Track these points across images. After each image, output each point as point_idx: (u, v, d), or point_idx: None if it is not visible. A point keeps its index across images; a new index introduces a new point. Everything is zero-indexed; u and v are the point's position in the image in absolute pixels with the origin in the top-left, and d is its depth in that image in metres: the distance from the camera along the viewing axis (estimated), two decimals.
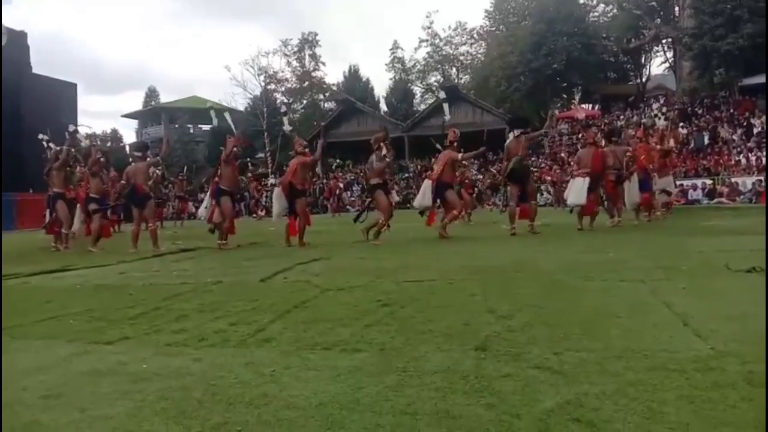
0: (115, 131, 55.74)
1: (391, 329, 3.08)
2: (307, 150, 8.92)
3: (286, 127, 10.21)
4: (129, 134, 56.61)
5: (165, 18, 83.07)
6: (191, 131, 48.94)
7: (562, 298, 3.78)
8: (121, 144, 52.04)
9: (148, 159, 9.48)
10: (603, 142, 10.37)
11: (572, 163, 10.03)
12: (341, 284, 4.59)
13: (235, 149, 9.03)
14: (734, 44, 24.23)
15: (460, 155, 9.26)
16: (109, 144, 50.27)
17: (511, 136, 9.78)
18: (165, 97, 55.36)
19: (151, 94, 56.04)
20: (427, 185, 9.21)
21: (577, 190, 9.39)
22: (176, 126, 47.75)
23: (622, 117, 31.16)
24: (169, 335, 3.19)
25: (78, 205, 10.30)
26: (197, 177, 37.18)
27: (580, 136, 28.75)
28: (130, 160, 10.49)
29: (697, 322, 2.95)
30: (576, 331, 2.91)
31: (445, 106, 10.97)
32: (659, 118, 14.45)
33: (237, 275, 5.60)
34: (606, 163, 9.69)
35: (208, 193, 9.54)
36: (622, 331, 2.88)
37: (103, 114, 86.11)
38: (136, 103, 61.15)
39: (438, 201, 9.29)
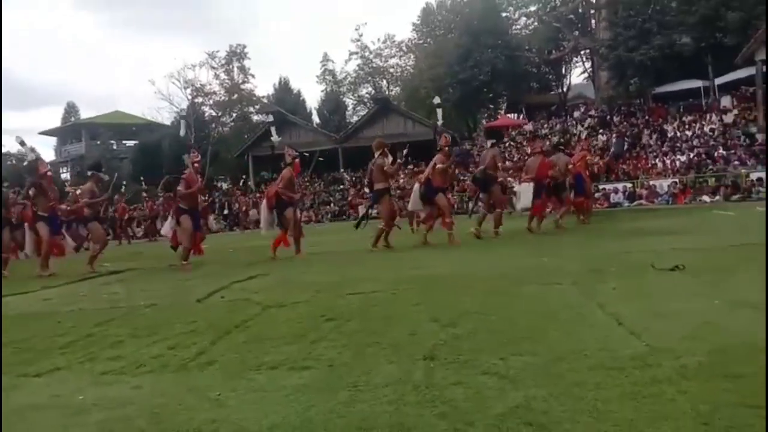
0: (32, 149, 52.79)
1: (338, 344, 3.06)
2: (297, 160, 8.91)
3: (274, 138, 10.18)
4: (47, 152, 53.77)
5: (83, 30, 79.62)
6: (114, 147, 47.02)
7: (503, 304, 3.87)
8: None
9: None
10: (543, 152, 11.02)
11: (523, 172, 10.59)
12: (282, 301, 4.52)
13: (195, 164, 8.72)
14: (646, 55, 25.70)
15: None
16: (25, 163, 47.59)
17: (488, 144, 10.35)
18: (85, 113, 52.99)
19: (71, 109, 53.52)
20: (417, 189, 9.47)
21: (525, 195, 9.97)
22: (98, 143, 45.80)
23: (546, 125, 32.36)
24: (104, 363, 3.03)
25: (26, 225, 9.27)
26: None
27: (507, 144, 29.69)
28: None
29: (630, 321, 3.09)
30: (519, 335, 2.99)
31: (272, 128, 11.17)
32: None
33: (171, 296, 5.41)
34: (550, 170, 10.33)
35: (171, 213, 8.95)
36: (561, 334, 2.97)
37: (18, 131, 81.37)
38: (55, 120, 58.18)
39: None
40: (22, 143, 10.11)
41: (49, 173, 9.33)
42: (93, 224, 9.06)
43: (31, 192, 8.92)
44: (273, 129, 11.25)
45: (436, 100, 13.42)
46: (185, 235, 8.27)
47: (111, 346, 3.41)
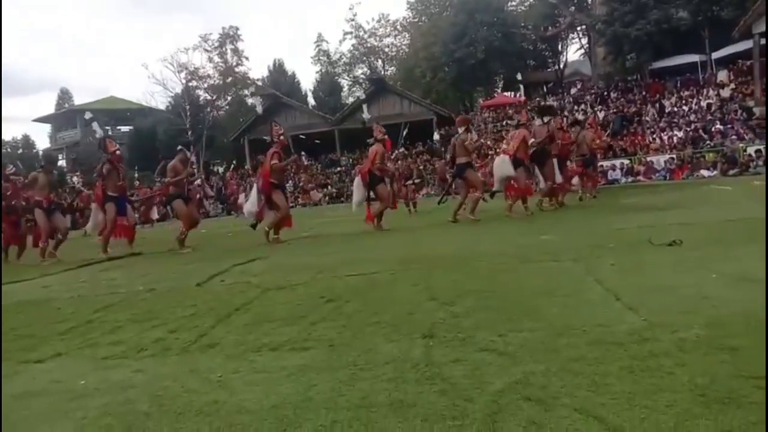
0: (26, 137, 52.60)
1: (337, 324, 3.07)
2: (386, 137, 9.23)
3: (366, 115, 10.48)
4: (42, 140, 53.51)
5: (75, 15, 78.69)
6: (109, 133, 46.73)
7: (502, 282, 3.89)
8: (34, 150, 49.22)
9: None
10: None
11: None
12: (282, 283, 4.53)
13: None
14: (643, 30, 25.54)
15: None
16: (20, 151, 47.42)
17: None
18: (79, 99, 52.64)
19: (64, 96, 53.16)
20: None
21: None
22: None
23: (543, 102, 32.21)
24: (105, 348, 3.04)
25: (94, 205, 9.15)
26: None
27: (504, 123, 29.62)
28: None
29: (628, 296, 3.10)
30: (517, 312, 3.00)
31: (364, 106, 11.50)
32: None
33: (171, 281, 5.41)
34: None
35: (254, 189, 9.01)
36: (560, 310, 2.99)
37: (11, 118, 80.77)
38: (48, 107, 57.75)
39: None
40: (91, 120, 10.05)
41: (118, 152, 9.09)
42: (177, 202, 8.82)
43: (104, 170, 8.63)
44: (365, 106, 11.46)
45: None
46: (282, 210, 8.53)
47: (111, 331, 3.42)
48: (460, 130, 9.36)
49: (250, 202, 9.01)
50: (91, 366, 2.74)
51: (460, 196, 9.81)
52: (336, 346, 2.70)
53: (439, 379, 2.14)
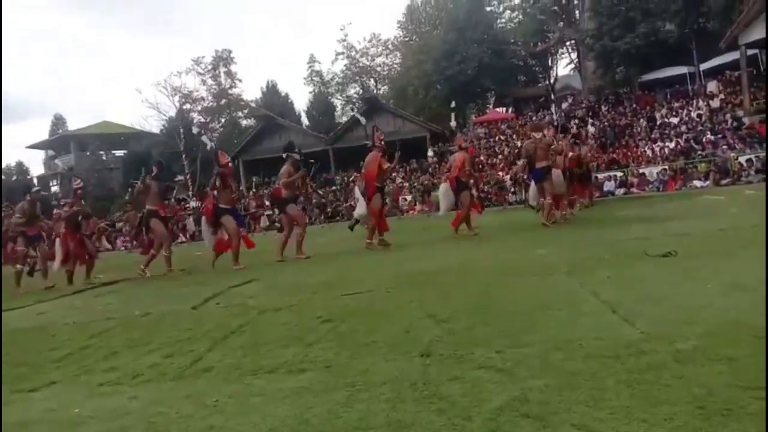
0: (20, 163, 52.54)
1: (334, 345, 3.05)
2: (469, 146, 9.74)
3: (452, 123, 11.01)
4: (36, 166, 53.43)
5: (64, 40, 79.00)
6: (104, 158, 46.78)
7: (497, 297, 3.88)
8: (28, 177, 49.10)
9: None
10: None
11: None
12: (278, 304, 4.51)
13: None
14: (631, 43, 25.81)
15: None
16: (14, 178, 47.29)
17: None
18: (73, 124, 52.67)
19: (58, 121, 53.21)
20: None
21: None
22: (87, 153, 45.55)
23: (534, 118, 32.42)
24: (100, 375, 3.02)
25: (204, 219, 9.01)
26: (113, 205, 35.60)
27: (496, 139, 29.78)
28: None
29: (625, 309, 3.10)
30: (514, 328, 2.99)
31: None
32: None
33: (166, 305, 5.38)
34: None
35: (356, 192, 9.69)
36: (557, 324, 2.98)
37: (3, 145, 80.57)
38: (42, 133, 57.73)
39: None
40: (201, 132, 10.14)
41: (229, 164, 9.12)
42: (291, 206, 8.81)
43: (217, 183, 8.52)
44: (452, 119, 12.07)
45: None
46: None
47: (106, 357, 3.39)
48: (537, 135, 9.68)
49: (360, 206, 9.60)
50: (86, 393, 2.71)
51: (539, 200, 9.88)
52: (333, 367, 2.68)
53: (437, 397, 2.13)
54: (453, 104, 14.41)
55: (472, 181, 10.24)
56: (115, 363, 3.23)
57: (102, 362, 3.28)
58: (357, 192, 9.58)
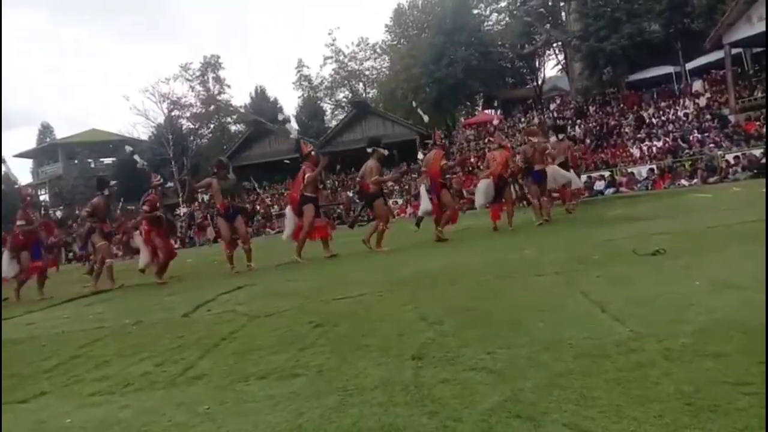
0: (297, 129, 52.37)
1: (326, 350, 3.05)
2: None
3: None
4: (24, 175, 52.87)
5: (50, 48, 78.53)
6: (92, 166, 46.48)
7: (488, 299, 3.89)
8: (16, 186, 48.56)
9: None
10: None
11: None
12: (269, 310, 4.50)
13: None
14: (617, 44, 26.03)
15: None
16: (2, 186, 46.78)
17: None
18: (60, 133, 52.26)
19: (45, 130, 52.79)
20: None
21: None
22: (75, 162, 45.26)
23: (523, 119, 32.58)
24: (91, 384, 3.00)
25: (289, 207, 9.13)
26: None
27: (486, 141, 29.87)
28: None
29: (614, 308, 3.12)
30: (505, 328, 3.01)
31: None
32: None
33: (157, 313, 5.35)
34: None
35: (422, 190, 9.61)
36: (546, 324, 3.00)
37: None
38: (29, 142, 57.28)
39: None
40: (285, 121, 10.84)
41: (313, 152, 9.13)
42: (378, 201, 8.88)
43: (306, 174, 8.58)
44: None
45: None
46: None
47: (97, 366, 3.37)
48: (534, 139, 9.82)
49: (424, 202, 9.60)
50: (76, 403, 2.70)
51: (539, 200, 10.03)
52: (325, 371, 2.68)
53: (428, 400, 2.13)
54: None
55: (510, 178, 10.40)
56: (106, 372, 3.21)
57: (93, 371, 3.26)
58: (423, 190, 9.62)
